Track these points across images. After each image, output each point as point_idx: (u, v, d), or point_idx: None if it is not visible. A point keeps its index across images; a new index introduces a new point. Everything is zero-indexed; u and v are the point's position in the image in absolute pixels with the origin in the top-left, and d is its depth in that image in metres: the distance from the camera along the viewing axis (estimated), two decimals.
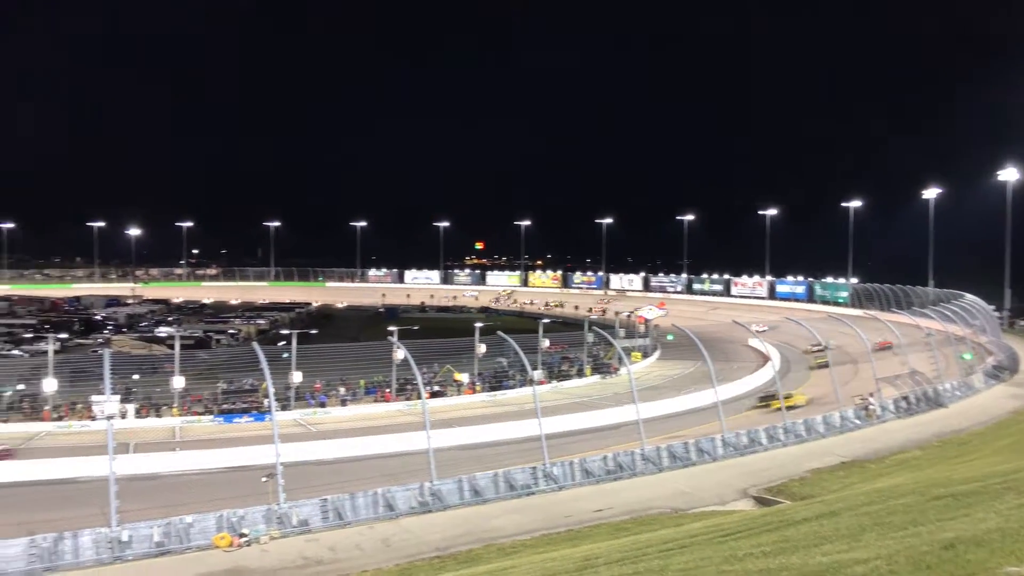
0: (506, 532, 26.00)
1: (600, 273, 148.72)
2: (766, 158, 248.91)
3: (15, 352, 68.38)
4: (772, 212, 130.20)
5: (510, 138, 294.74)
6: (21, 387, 49.53)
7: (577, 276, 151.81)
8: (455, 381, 57.22)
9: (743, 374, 61.40)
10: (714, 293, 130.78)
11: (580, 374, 64.10)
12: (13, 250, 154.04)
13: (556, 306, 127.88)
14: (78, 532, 23.94)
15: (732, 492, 30.42)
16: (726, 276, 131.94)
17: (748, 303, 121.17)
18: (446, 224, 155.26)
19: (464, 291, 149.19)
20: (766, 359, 63.71)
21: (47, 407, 46.51)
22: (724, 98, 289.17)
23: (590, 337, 66.81)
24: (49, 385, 46.07)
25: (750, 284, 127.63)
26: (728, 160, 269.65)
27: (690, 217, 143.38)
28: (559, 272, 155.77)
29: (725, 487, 31.11)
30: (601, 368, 64.94)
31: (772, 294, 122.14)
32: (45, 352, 50.43)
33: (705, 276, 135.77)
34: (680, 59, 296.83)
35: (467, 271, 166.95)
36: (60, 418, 45.88)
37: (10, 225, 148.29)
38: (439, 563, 23.35)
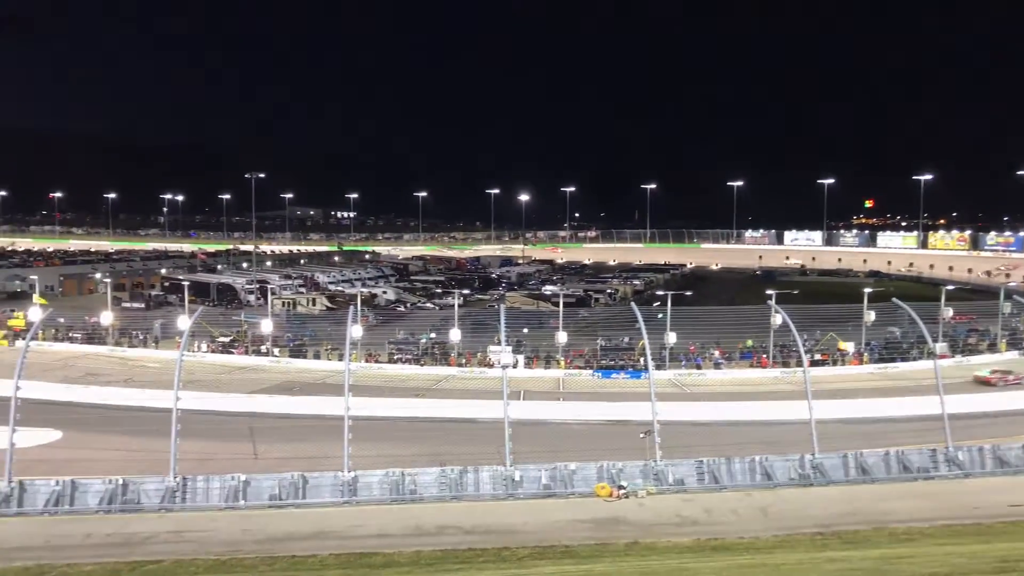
0: (898, 516, 23.66)
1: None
2: None
3: (428, 305, 78.37)
4: None
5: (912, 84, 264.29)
6: (433, 335, 56.59)
7: (991, 237, 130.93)
8: (839, 350, 53.38)
9: None
10: None
11: (993, 348, 55.98)
12: (426, 216, 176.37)
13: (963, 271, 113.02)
14: (479, 467, 26.66)
15: None
16: None
17: None
18: (830, 181, 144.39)
19: (851, 253, 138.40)
20: None
21: (453, 354, 52.52)
22: None
23: (1007, 307, 57.84)
24: (455, 335, 52.06)
25: None
26: None
27: None
28: (967, 232, 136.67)
29: None
30: (1021, 344, 56.03)
31: None
32: (452, 305, 56.84)
33: None
34: None
35: (854, 232, 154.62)
36: (463, 364, 51.48)
37: (423, 193, 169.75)
38: (821, 540, 21.99)
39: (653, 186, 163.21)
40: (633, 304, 34.90)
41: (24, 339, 45.32)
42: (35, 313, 59.96)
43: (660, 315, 51.18)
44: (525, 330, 54.63)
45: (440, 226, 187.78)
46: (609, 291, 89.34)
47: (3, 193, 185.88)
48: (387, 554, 21.26)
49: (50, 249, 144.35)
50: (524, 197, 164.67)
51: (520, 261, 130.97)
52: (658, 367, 48.36)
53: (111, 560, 20.38)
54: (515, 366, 48.83)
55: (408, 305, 79.45)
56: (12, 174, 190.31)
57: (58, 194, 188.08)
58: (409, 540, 22.40)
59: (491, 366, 49.70)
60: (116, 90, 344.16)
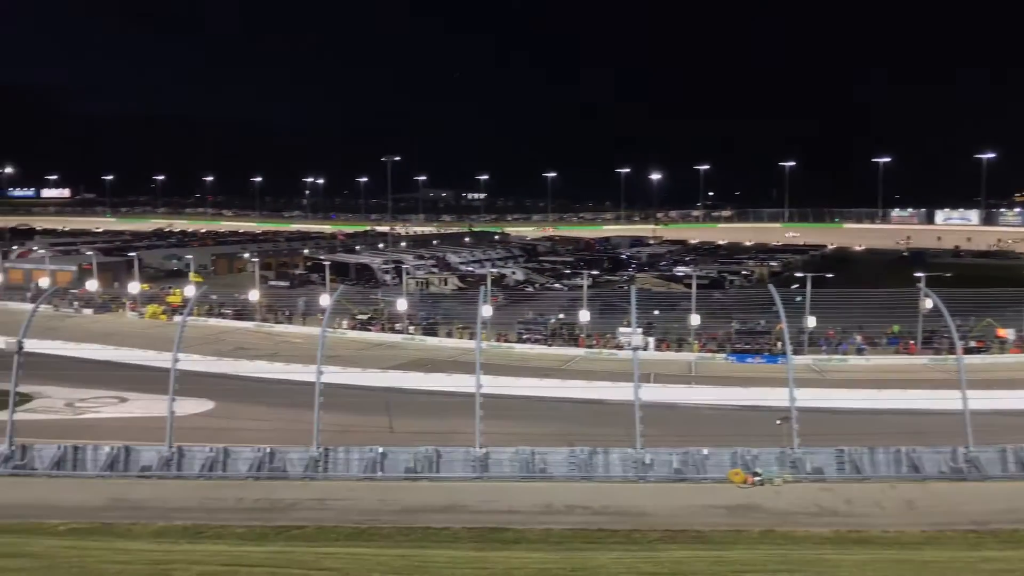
0: None
1: None
2: None
3: (556, 285, 78.52)
4: None
5: None
6: (561, 316, 56.66)
7: None
8: (998, 337, 49.74)
9: None
10: None
11: None
12: (556, 195, 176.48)
13: None
14: (608, 449, 26.55)
15: None
16: None
17: None
18: (990, 156, 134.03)
19: (1012, 233, 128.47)
20: None
21: (582, 335, 52.43)
22: None
23: None
24: (583, 316, 51.94)
25: None
26: None
27: None
28: None
29: None
30: None
31: None
32: (580, 286, 56.71)
33: None
34: None
35: (1016, 210, 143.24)
36: (591, 346, 51.30)
37: (553, 174, 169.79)
38: (975, 538, 20.66)
39: (792, 164, 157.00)
40: (771, 286, 33.68)
41: (181, 314, 48.80)
42: (190, 290, 64.29)
43: (799, 298, 49.21)
44: (656, 312, 53.82)
45: (569, 206, 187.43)
46: (744, 272, 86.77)
47: (162, 178, 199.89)
48: (518, 530, 21.54)
49: (203, 230, 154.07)
50: (655, 176, 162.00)
51: (651, 241, 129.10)
52: (796, 352, 46.55)
53: (259, 524, 21.61)
54: (645, 348, 48.23)
55: (537, 285, 79.86)
56: (170, 160, 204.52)
57: (210, 178, 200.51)
58: (539, 517, 22.61)
59: (620, 348, 49.32)
60: (260, 82, 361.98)
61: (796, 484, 25.18)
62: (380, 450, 26.58)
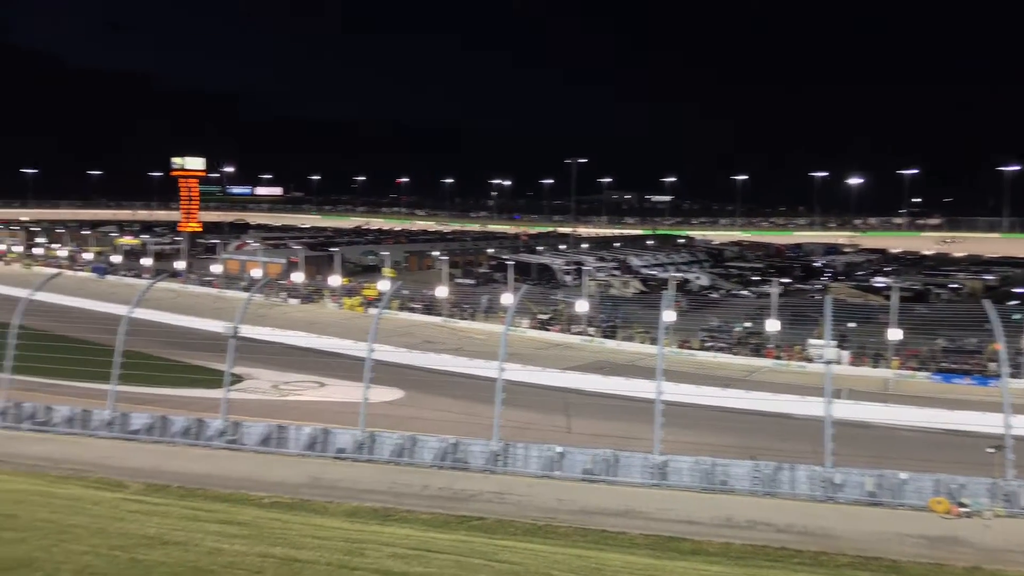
0: None
1: None
2: None
3: (743, 292, 75.93)
4: None
5: None
6: (748, 324, 54.73)
7: None
8: None
9: None
10: None
11: None
12: (745, 200, 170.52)
13: None
14: (795, 465, 25.36)
15: None
16: None
17: None
18: None
19: None
20: None
21: (770, 345, 50.38)
22: None
23: None
24: (772, 325, 49.89)
25: None
26: None
27: None
28: None
29: None
30: None
31: None
32: (769, 294, 54.50)
33: None
34: None
35: None
36: (779, 357, 49.19)
37: (743, 177, 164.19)
38: None
39: (1017, 168, 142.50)
40: (986, 301, 30.80)
41: (376, 307, 51.57)
42: (384, 285, 67.84)
43: (1017, 315, 44.80)
44: (851, 324, 50.76)
45: (758, 210, 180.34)
46: (953, 286, 80.00)
47: (362, 178, 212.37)
48: (696, 541, 21.05)
49: (397, 228, 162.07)
50: (854, 180, 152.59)
51: (847, 249, 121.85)
52: (1014, 375, 42.43)
53: (442, 512, 22.45)
54: (839, 362, 45.61)
55: (722, 292, 77.65)
56: (369, 162, 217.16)
57: (405, 180, 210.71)
58: (718, 530, 21.98)
59: (811, 360, 46.96)
60: (449, 83, 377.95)
61: (1009, 519, 22.95)
62: (558, 449, 26.83)
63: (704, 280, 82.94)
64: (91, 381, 35.16)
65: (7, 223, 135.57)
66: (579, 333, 56.91)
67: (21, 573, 4.79)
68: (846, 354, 47.61)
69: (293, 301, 72.74)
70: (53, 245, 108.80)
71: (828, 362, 28.40)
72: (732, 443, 30.15)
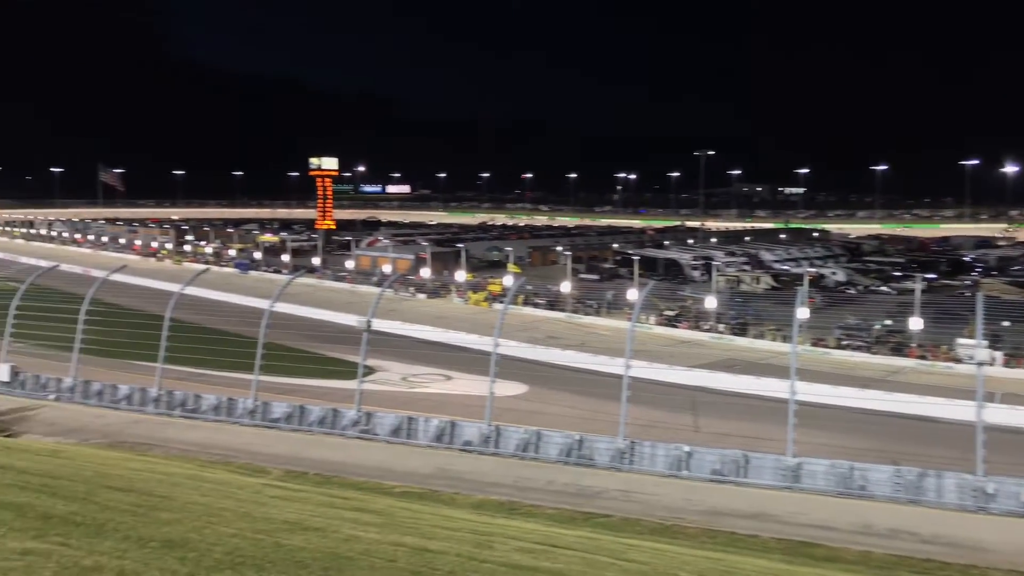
0: None
1: None
2: None
3: (884, 288, 72.21)
4: None
5: None
6: (888, 322, 52.01)
7: None
8: None
9: None
10: None
11: None
12: (886, 191, 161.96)
13: None
14: (941, 473, 23.87)
15: None
16: None
17: None
18: None
19: None
20: None
21: (912, 345, 47.69)
22: None
23: None
24: (915, 323, 47.19)
25: None
26: None
27: None
28: None
29: None
30: None
31: None
32: (912, 291, 51.66)
33: None
34: None
35: None
36: (923, 357, 46.50)
37: (883, 167, 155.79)
38: None
39: None
40: None
41: (501, 302, 52.19)
42: (509, 280, 68.55)
43: None
44: (1006, 323, 47.38)
45: (900, 202, 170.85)
46: None
47: (487, 175, 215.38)
48: (831, 547, 20.16)
49: (521, 224, 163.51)
50: (1010, 168, 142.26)
51: (1001, 243, 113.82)
52: None
53: (567, 507, 22.44)
54: (991, 363, 42.63)
55: (860, 288, 74.11)
56: (494, 158, 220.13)
57: (529, 175, 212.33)
58: (856, 538, 20.97)
59: (958, 361, 44.13)
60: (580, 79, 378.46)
61: None
62: (686, 448, 26.31)
63: (840, 276, 79.35)
64: (234, 371, 37.26)
65: (159, 222, 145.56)
66: (708, 330, 55.69)
67: (178, 552, 5.11)
68: (999, 355, 44.48)
69: (421, 296, 74.64)
70: (200, 242, 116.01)
71: (980, 363, 26.55)
72: (870, 447, 28.76)
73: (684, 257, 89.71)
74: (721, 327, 55.58)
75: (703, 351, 51.09)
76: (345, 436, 29.63)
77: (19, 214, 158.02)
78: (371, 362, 36.91)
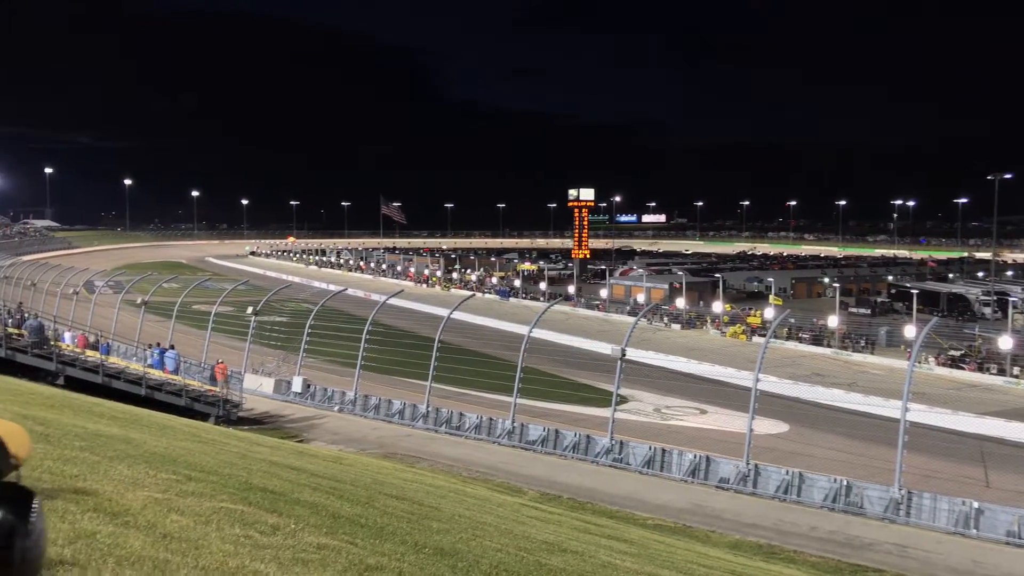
0: None
1: None
2: None
3: None
4: None
5: None
6: None
7: None
8: None
9: None
10: None
11: None
12: None
13: None
14: None
15: None
16: None
17: None
18: None
19: None
20: None
21: None
22: None
23: None
24: None
25: None
26: None
27: None
28: None
29: None
30: None
31: None
32: None
33: None
34: None
35: None
36: None
37: None
38: None
39: None
40: None
41: (760, 335, 50.03)
42: (770, 312, 65.61)
43: None
44: None
45: None
46: None
47: (747, 203, 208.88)
48: None
49: (784, 253, 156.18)
50: None
51: None
52: None
53: (833, 557, 20.84)
54: None
55: None
56: (757, 185, 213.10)
57: (793, 203, 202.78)
58: None
59: None
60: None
61: None
62: (975, 505, 23.46)
63: None
64: (493, 392, 38.93)
65: (431, 251, 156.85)
66: (1000, 373, 49.52)
67: (449, 560, 5.38)
68: None
69: (675, 326, 73.57)
70: (466, 270, 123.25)
71: None
72: None
73: (972, 292, 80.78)
74: (1017, 370, 49.17)
75: (995, 396, 45.45)
76: (598, 463, 29.79)
77: (314, 243, 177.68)
78: (624, 391, 36.90)
